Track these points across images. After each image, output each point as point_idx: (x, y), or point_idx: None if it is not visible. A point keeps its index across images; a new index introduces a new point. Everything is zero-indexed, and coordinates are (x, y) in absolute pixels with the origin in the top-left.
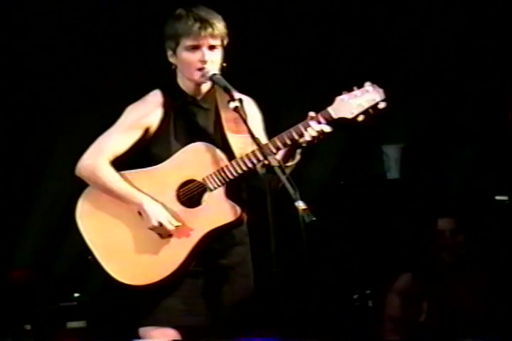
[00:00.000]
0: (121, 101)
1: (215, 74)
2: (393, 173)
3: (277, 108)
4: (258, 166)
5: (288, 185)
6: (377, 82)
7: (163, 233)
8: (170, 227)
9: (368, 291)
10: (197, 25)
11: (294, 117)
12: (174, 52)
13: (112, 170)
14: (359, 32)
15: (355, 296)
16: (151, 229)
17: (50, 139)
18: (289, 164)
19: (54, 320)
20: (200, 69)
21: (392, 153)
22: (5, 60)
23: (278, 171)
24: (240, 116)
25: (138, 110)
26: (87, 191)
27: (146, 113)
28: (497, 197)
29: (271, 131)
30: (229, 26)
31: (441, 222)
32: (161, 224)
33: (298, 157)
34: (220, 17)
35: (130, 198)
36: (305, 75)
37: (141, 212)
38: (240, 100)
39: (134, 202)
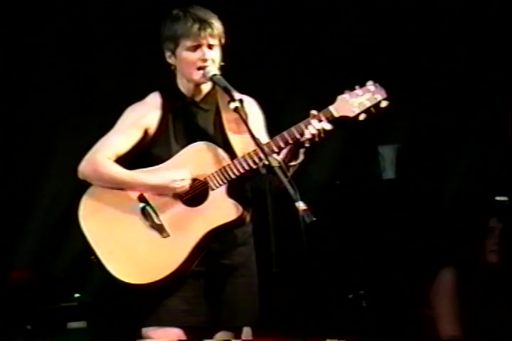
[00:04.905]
0: (123, 101)
1: (215, 74)
2: (389, 173)
3: (279, 107)
4: (260, 165)
5: (288, 186)
6: (374, 81)
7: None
8: (185, 177)
9: (362, 291)
10: (196, 25)
11: (296, 116)
12: (173, 53)
13: (114, 164)
14: (360, 31)
15: (349, 296)
16: (176, 192)
17: (50, 139)
18: (293, 164)
19: (54, 320)
20: (201, 69)
21: (387, 153)
22: (5, 59)
23: (278, 172)
24: (240, 116)
25: (136, 112)
26: (89, 191)
27: (144, 114)
28: (497, 198)
29: (272, 130)
30: (230, 25)
31: (493, 220)
32: (179, 180)
33: (302, 157)
34: (216, 16)
35: (139, 181)
36: (307, 74)
37: (155, 187)
38: (241, 100)
39: (142, 183)
